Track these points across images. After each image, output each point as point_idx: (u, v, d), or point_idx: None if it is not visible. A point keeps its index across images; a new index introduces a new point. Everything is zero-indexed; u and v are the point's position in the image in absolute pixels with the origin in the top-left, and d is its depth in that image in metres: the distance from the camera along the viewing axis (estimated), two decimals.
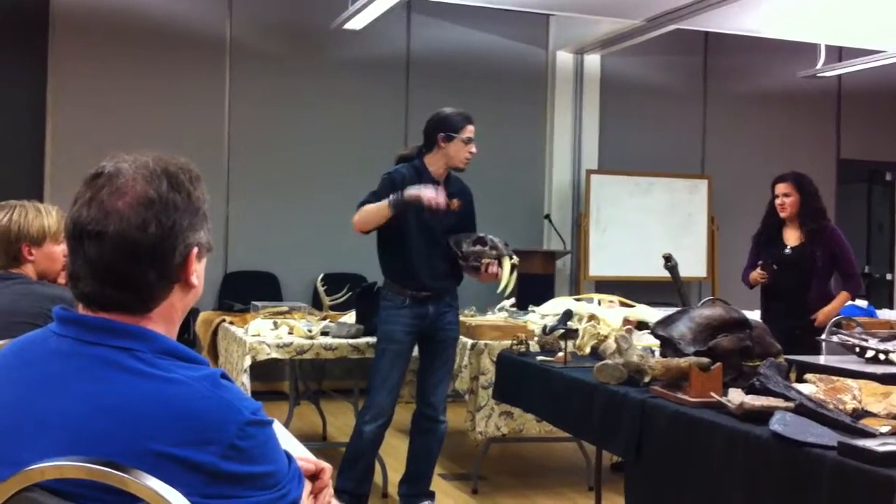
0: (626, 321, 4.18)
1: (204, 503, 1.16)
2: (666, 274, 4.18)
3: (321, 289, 5.18)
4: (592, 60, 8.23)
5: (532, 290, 5.71)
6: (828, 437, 2.10)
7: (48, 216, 2.67)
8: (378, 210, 3.88)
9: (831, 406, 2.30)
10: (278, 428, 1.43)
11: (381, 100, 7.77)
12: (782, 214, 5.00)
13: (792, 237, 5.02)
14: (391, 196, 3.84)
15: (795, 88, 8.65)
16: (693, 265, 7.97)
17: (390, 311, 4.04)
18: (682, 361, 2.72)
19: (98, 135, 6.80)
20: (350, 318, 4.63)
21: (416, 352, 4.19)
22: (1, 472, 1.18)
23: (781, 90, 8.75)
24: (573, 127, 8.23)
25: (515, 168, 8.01)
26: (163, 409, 1.17)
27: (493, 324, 4.67)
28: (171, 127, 7.10)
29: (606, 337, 3.64)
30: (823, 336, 3.56)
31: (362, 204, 3.95)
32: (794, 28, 7.02)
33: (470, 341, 4.51)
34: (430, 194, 3.78)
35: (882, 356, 3.09)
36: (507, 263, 3.97)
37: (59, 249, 2.64)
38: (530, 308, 5.21)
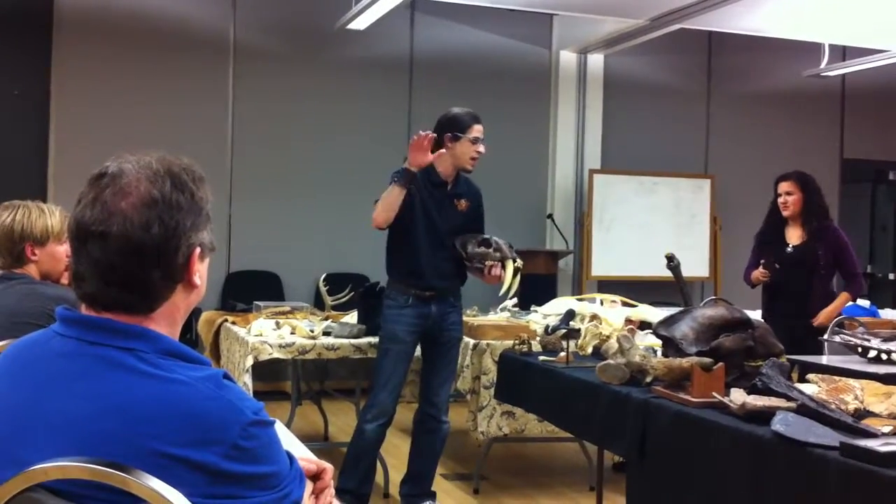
0: (629, 321, 4.18)
1: (206, 503, 1.16)
2: (669, 274, 4.18)
3: (323, 289, 5.19)
4: (596, 60, 8.22)
5: (534, 290, 5.70)
6: (830, 437, 2.10)
7: (52, 216, 2.67)
8: (389, 194, 3.91)
9: (833, 406, 2.30)
10: (280, 428, 1.43)
11: (385, 100, 7.77)
12: (785, 213, 4.99)
13: (794, 236, 5.01)
14: (394, 177, 3.89)
15: (799, 88, 8.64)
16: (696, 265, 7.97)
17: (393, 311, 4.05)
18: (685, 361, 2.72)
19: (101, 135, 6.80)
20: (352, 318, 4.64)
21: (418, 351, 4.20)
22: (4, 472, 1.18)
23: (785, 90, 8.74)
24: (576, 126, 8.23)
25: (518, 167, 8.01)
26: (166, 410, 1.17)
27: (495, 324, 4.67)
28: (174, 127, 7.11)
29: (609, 337, 3.64)
30: (826, 336, 3.56)
31: (377, 201, 3.98)
32: (797, 27, 7.01)
33: (472, 341, 4.52)
34: (414, 147, 3.83)
35: (884, 356, 3.10)
36: (510, 266, 3.98)
37: (63, 250, 2.64)
38: (532, 308, 5.21)
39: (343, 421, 5.95)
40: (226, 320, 5.02)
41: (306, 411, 6.10)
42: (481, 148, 4.02)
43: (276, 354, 4.24)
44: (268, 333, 4.37)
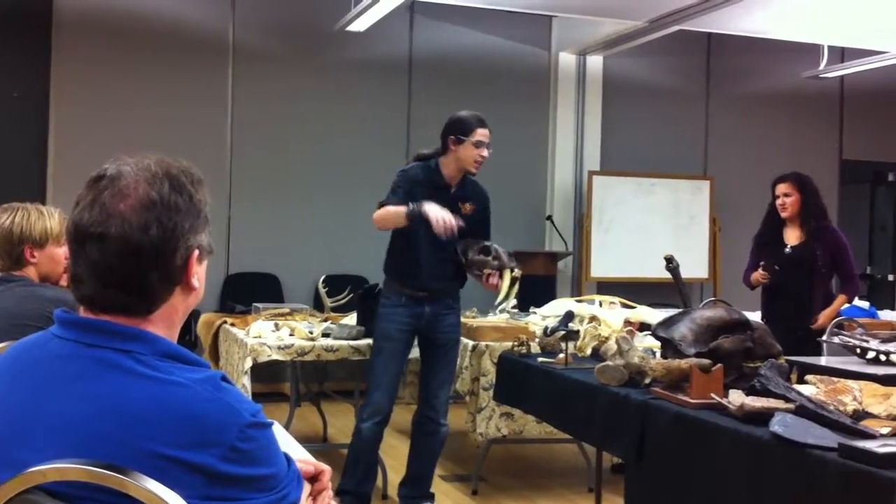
0: (628, 322, 4.18)
1: None
2: (668, 275, 4.18)
3: (322, 290, 5.19)
4: (595, 62, 8.23)
5: (533, 292, 5.70)
6: (828, 438, 2.10)
7: (51, 218, 2.67)
8: (396, 214, 3.91)
9: (832, 407, 2.30)
10: (277, 429, 1.44)
11: (384, 102, 7.77)
12: (783, 214, 4.99)
13: (792, 237, 5.01)
14: (410, 205, 3.87)
15: (798, 89, 8.65)
16: (695, 266, 7.97)
17: (387, 310, 4.06)
18: (683, 363, 2.72)
19: (100, 136, 6.80)
20: (351, 319, 4.64)
21: (417, 353, 4.20)
22: (2, 473, 1.18)
23: (784, 91, 8.74)
24: (576, 128, 8.23)
25: (518, 169, 8.00)
26: (163, 412, 1.17)
27: (494, 325, 4.67)
28: (173, 129, 7.10)
29: (607, 338, 3.64)
30: (824, 337, 3.57)
31: (383, 203, 3.98)
32: (796, 29, 7.01)
33: (471, 342, 4.52)
34: (438, 214, 3.79)
35: (883, 357, 3.09)
36: (507, 276, 3.96)
37: (62, 252, 2.64)
38: (531, 309, 5.21)
39: (342, 422, 5.95)
40: (225, 322, 5.02)
41: (305, 413, 6.10)
42: (485, 152, 4.00)
43: (275, 356, 4.24)
44: (267, 335, 4.37)
